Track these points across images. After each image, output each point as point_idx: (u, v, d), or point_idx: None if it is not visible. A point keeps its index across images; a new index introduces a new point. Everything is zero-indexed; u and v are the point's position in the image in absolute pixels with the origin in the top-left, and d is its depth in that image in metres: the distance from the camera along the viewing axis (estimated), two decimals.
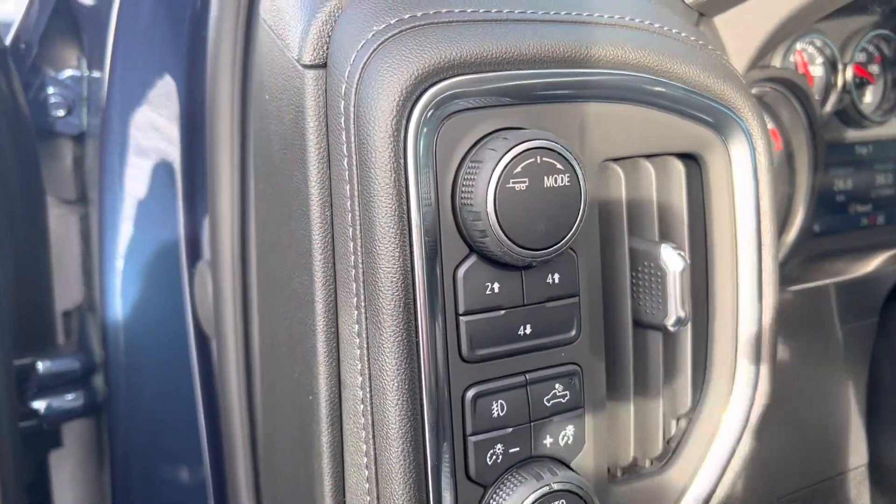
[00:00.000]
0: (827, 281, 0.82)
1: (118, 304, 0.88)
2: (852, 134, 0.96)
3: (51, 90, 0.92)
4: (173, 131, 0.76)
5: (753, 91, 0.86)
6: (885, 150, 0.99)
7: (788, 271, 0.88)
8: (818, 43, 0.90)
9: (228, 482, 0.70)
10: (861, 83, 0.95)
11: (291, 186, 0.53)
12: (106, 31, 0.84)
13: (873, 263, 0.86)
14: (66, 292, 1.03)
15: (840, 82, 0.91)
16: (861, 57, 0.95)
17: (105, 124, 0.87)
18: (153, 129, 0.80)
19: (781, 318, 0.81)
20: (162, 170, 0.78)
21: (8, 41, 0.96)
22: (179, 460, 0.81)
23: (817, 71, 0.91)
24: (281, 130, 0.53)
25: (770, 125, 0.89)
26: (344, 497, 0.53)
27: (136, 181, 0.83)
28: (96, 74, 0.89)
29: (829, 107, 0.91)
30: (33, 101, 0.93)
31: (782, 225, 0.90)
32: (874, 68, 0.96)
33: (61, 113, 0.92)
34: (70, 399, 0.93)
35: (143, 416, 0.88)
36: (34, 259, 1.01)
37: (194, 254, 0.73)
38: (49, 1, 0.92)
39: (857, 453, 0.83)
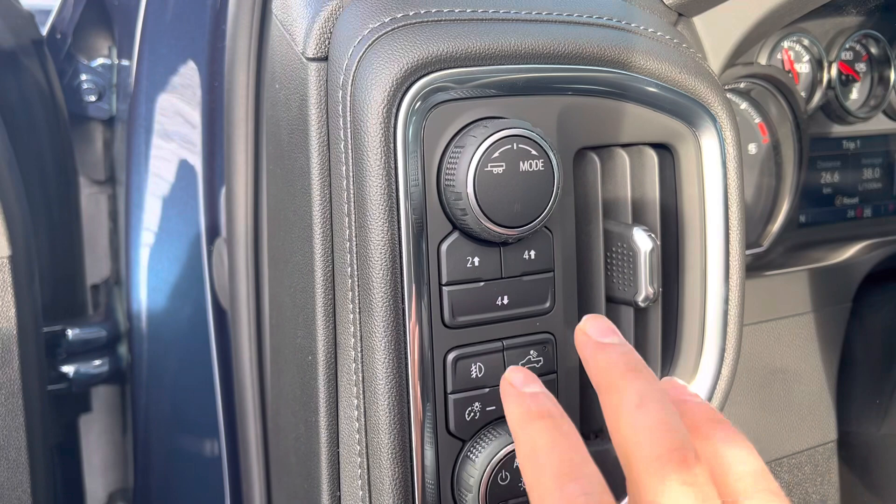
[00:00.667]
0: (805, 267, 0.87)
1: (142, 277, 0.94)
2: (839, 129, 1.00)
3: (83, 77, 0.99)
4: (195, 117, 0.82)
5: (741, 86, 0.91)
6: (872, 144, 1.03)
7: (772, 258, 0.93)
8: (805, 42, 0.94)
9: (240, 441, 0.76)
10: (847, 80, 0.99)
11: (296, 167, 0.59)
12: (135, 23, 0.90)
13: (850, 251, 0.90)
14: (96, 266, 1.10)
15: (825, 79, 0.95)
16: (848, 55, 0.98)
17: (132, 109, 0.93)
18: (176, 115, 0.87)
19: (760, 300, 0.86)
20: (184, 152, 0.84)
21: (45, 31, 1.03)
22: (196, 423, 0.88)
23: (804, 68, 0.95)
24: (288, 117, 0.59)
25: (757, 119, 0.94)
26: (338, 447, 0.59)
27: (160, 163, 0.89)
28: (125, 63, 0.95)
29: (814, 103, 0.95)
30: (67, 87, 1.00)
31: (768, 215, 0.95)
32: (861, 66, 1.00)
33: (93, 98, 0.99)
34: (97, 365, 1.00)
35: (163, 382, 0.94)
36: (67, 235, 1.08)
37: (213, 231, 0.79)
38: None
39: (827, 429, 0.88)
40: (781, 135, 0.92)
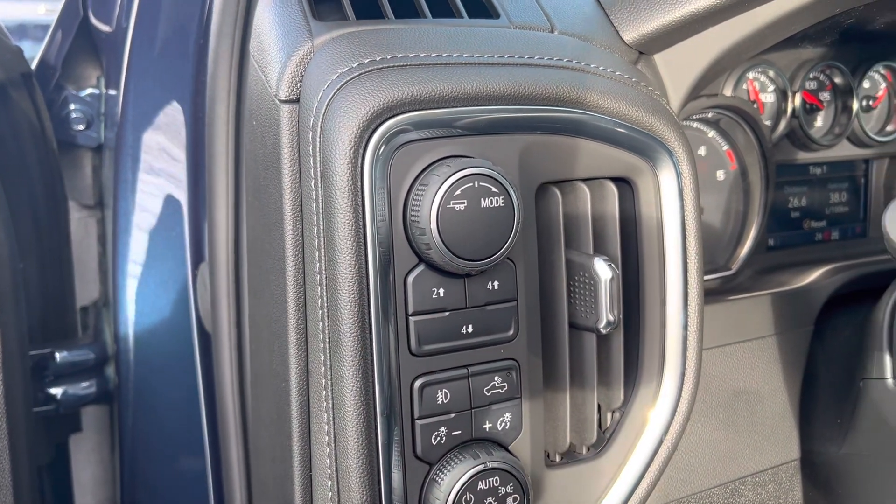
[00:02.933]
0: (769, 291, 0.89)
1: (130, 300, 0.97)
2: (804, 156, 1.03)
3: (72, 106, 1.01)
4: (179, 147, 0.84)
5: (709, 116, 0.94)
6: (838, 170, 1.06)
7: (741, 281, 0.96)
8: (770, 73, 0.97)
9: (223, 462, 0.78)
10: (811, 109, 1.02)
11: (271, 202, 0.61)
12: (122, 55, 0.93)
13: (813, 275, 0.93)
14: (85, 288, 1.12)
15: (790, 108, 0.98)
16: (812, 85, 1.02)
17: (119, 138, 0.96)
18: (161, 145, 0.89)
19: (725, 324, 0.88)
20: (169, 180, 0.87)
21: (34, 65, 1.06)
22: (181, 445, 0.90)
23: (769, 98, 0.99)
24: (264, 153, 0.62)
25: (725, 146, 0.97)
26: (311, 471, 0.62)
27: (146, 190, 0.92)
28: (112, 93, 0.98)
29: (779, 131, 0.99)
30: (56, 116, 1.03)
31: (737, 239, 0.98)
32: (825, 95, 1.03)
33: (81, 127, 1.02)
34: (84, 387, 1.02)
35: (149, 403, 0.96)
36: (56, 259, 1.10)
37: (197, 257, 0.81)
38: (71, 28, 1.02)
39: (790, 448, 0.90)
40: (749, 162, 0.95)
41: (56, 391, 1.00)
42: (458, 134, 0.58)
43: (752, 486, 0.88)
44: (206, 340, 0.80)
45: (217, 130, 0.74)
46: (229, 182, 0.73)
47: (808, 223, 1.05)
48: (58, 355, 1.00)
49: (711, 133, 0.96)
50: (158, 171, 0.90)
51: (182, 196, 0.84)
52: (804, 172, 1.04)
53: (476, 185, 0.55)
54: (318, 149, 0.56)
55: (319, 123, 0.56)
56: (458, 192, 0.55)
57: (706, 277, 0.92)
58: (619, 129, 0.64)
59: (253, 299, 0.69)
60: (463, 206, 0.55)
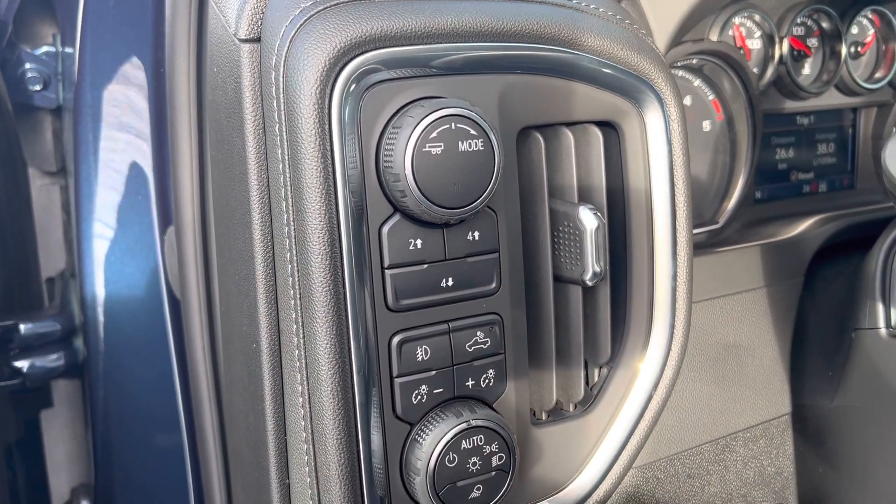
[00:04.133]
0: (757, 242, 0.87)
1: (96, 270, 0.93)
2: (792, 105, 1.00)
3: (27, 65, 0.96)
4: (141, 104, 0.80)
5: (693, 62, 0.90)
6: (826, 119, 1.04)
7: (728, 235, 0.93)
8: (756, 17, 0.94)
9: (198, 432, 0.75)
10: (799, 56, 0.99)
11: (234, 152, 0.58)
12: (76, 9, 0.88)
13: (802, 226, 0.91)
14: (51, 259, 1.08)
15: (777, 55, 0.95)
16: (799, 31, 0.99)
17: (78, 98, 0.91)
18: (123, 103, 0.85)
19: (714, 276, 0.86)
20: (132, 141, 0.83)
21: None
22: (154, 415, 0.87)
23: (755, 44, 0.95)
24: (225, 100, 0.58)
25: (711, 96, 0.94)
26: (285, 435, 0.59)
27: (108, 152, 0.87)
28: (69, 50, 0.93)
29: (766, 79, 0.96)
30: (10, 76, 0.98)
31: (724, 192, 0.95)
32: (813, 41, 1.00)
33: (38, 87, 0.97)
34: (52, 359, 0.99)
35: (120, 375, 0.93)
36: (18, 229, 1.06)
37: (164, 220, 0.78)
38: None
39: (781, 403, 0.89)
40: (735, 111, 0.92)
41: (22, 364, 0.96)
42: (432, 73, 0.54)
43: (744, 441, 0.87)
44: (177, 307, 0.77)
45: (178, 82, 0.70)
46: (192, 136, 0.69)
47: (796, 175, 1.03)
48: (22, 327, 0.97)
49: (697, 82, 0.92)
50: (121, 131, 0.86)
51: (146, 156, 0.80)
52: (791, 123, 1.01)
53: (453, 128, 0.52)
54: (281, 90, 0.52)
55: (282, 63, 0.52)
56: (433, 134, 0.51)
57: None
58: (604, 70, 0.61)
59: (221, 260, 0.66)
60: (440, 149, 0.52)
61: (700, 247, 0.87)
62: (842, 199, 1.06)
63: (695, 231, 0.91)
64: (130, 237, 0.87)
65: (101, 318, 0.94)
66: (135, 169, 0.83)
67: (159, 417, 0.85)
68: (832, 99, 1.02)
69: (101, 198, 0.90)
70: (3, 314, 0.97)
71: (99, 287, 0.93)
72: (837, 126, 1.06)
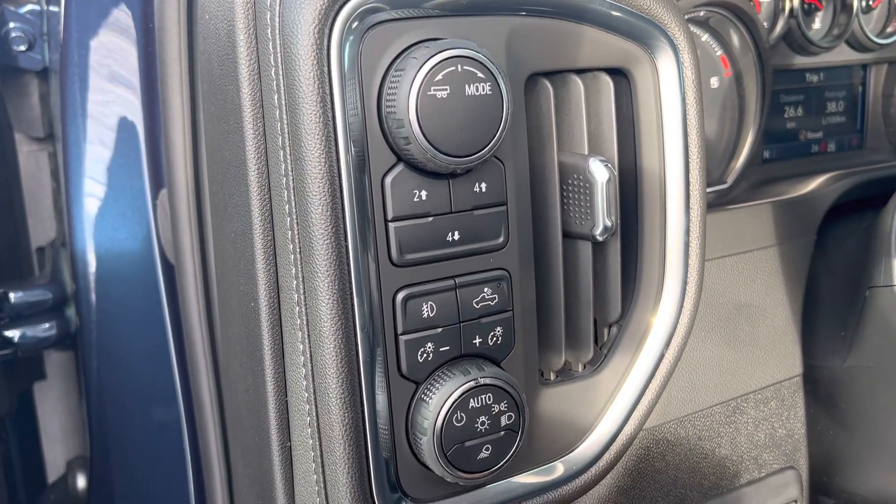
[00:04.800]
0: (768, 200, 0.85)
1: (87, 237, 0.90)
2: (801, 60, 0.97)
3: (11, 25, 0.93)
4: (130, 62, 0.77)
5: (701, 14, 0.87)
6: (836, 76, 1.01)
7: (736, 195, 0.91)
8: None
9: (195, 399, 0.73)
10: (810, 9, 0.96)
11: (228, 102, 0.55)
12: None
13: (813, 184, 0.88)
14: (40, 228, 1.05)
15: (787, 7, 0.92)
16: None
17: (64, 58, 0.88)
18: (111, 61, 0.82)
19: (724, 234, 0.84)
20: (122, 101, 0.80)
21: None
22: (150, 384, 0.85)
23: None
24: (218, 48, 0.55)
25: (719, 52, 0.91)
26: (286, 396, 0.56)
27: (97, 115, 0.84)
28: (54, 9, 0.90)
29: (776, 32, 0.93)
30: None
31: (732, 151, 0.93)
32: None
33: (23, 48, 0.93)
34: (44, 328, 0.96)
35: (113, 344, 0.91)
36: (6, 196, 1.03)
37: (157, 183, 0.75)
38: None
39: (793, 364, 0.87)
40: (743, 66, 0.89)
41: (13, 334, 0.94)
42: (436, 14, 0.51)
43: (755, 403, 0.85)
44: (171, 272, 0.75)
45: (168, 35, 0.67)
46: (184, 92, 0.66)
47: (805, 134, 1.00)
48: (12, 296, 0.94)
49: (705, 37, 0.90)
50: (109, 91, 0.83)
51: (136, 117, 0.77)
52: (801, 80, 0.99)
53: (459, 70, 0.49)
54: (277, 31, 0.49)
55: (278, 2, 0.49)
56: (439, 76, 0.49)
57: None
58: (614, 13, 0.58)
59: (216, 219, 0.63)
60: (445, 93, 0.49)
61: (708, 206, 0.85)
62: (851, 159, 1.03)
63: None
64: (122, 202, 0.84)
65: (92, 286, 0.91)
66: (125, 131, 0.80)
67: (155, 386, 0.83)
68: (842, 55, 1.00)
69: (90, 162, 0.88)
70: None
71: (90, 255, 0.90)
72: (847, 83, 1.03)
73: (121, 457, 0.94)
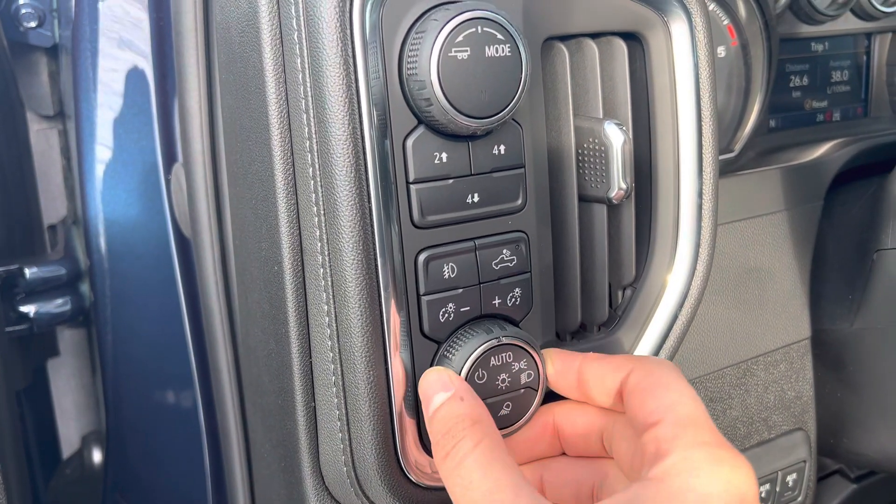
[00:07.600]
0: (776, 166, 0.86)
1: (100, 213, 0.91)
2: (807, 29, 0.98)
3: (21, 1, 0.93)
4: (143, 35, 0.77)
5: None
6: (841, 46, 1.02)
7: (743, 163, 0.92)
8: None
9: (212, 370, 0.74)
10: None
11: (249, 68, 0.55)
12: None
13: (820, 150, 0.89)
14: (52, 205, 1.06)
15: None
16: None
17: (76, 34, 0.88)
18: (123, 35, 0.82)
19: (733, 200, 0.85)
20: (134, 75, 0.80)
21: None
22: (165, 357, 0.86)
23: None
24: (238, 15, 0.56)
25: (726, 21, 0.91)
26: (310, 357, 0.58)
27: (109, 89, 0.85)
28: None
29: (782, 1, 0.93)
30: (3, 13, 0.94)
31: (738, 120, 0.93)
32: None
33: (33, 24, 0.94)
34: (58, 304, 0.97)
35: (128, 319, 0.91)
36: (18, 174, 1.03)
37: (170, 157, 0.76)
38: None
39: (801, 327, 0.88)
40: (750, 35, 0.90)
41: (28, 309, 0.95)
42: None
43: (764, 365, 0.86)
44: (185, 246, 0.75)
45: (184, 6, 0.67)
46: (200, 62, 0.66)
47: (810, 103, 1.01)
48: (27, 271, 0.95)
49: (712, 6, 0.90)
50: (122, 67, 0.83)
51: (150, 90, 0.78)
52: (806, 49, 0.99)
53: (479, 31, 0.50)
54: None
55: None
56: (459, 38, 0.49)
57: None
58: None
59: (234, 188, 0.64)
60: (466, 54, 0.50)
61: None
62: (855, 128, 1.04)
63: None
64: (135, 177, 0.85)
65: (106, 262, 0.92)
66: (138, 106, 0.80)
67: (170, 359, 0.84)
68: (847, 24, 1.00)
69: (102, 138, 0.88)
70: (7, 259, 0.95)
71: (103, 231, 0.91)
72: (852, 53, 1.04)
73: (137, 430, 0.95)
